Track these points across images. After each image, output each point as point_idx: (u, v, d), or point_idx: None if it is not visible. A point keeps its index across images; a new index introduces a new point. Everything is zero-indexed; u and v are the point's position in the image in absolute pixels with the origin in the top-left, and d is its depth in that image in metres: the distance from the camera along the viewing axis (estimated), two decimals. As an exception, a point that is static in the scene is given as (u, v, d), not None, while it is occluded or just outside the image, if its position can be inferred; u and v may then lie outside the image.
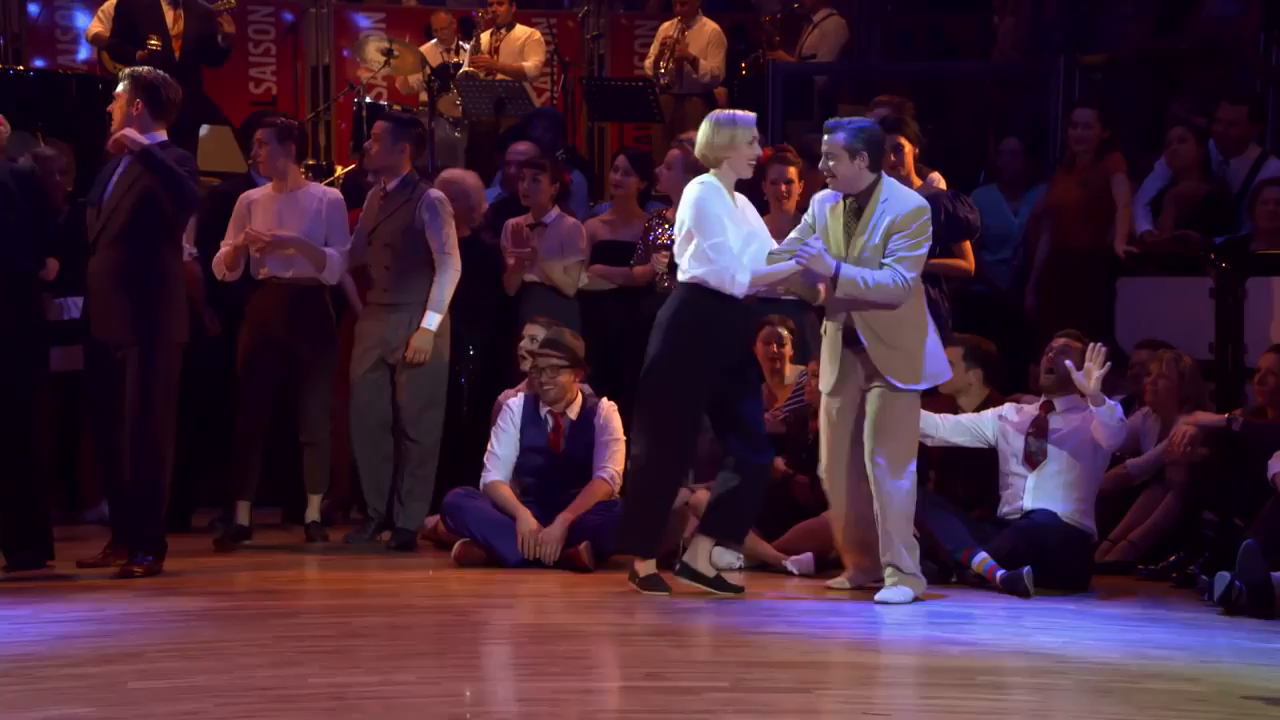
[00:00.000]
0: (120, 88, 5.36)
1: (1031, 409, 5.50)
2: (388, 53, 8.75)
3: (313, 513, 6.17)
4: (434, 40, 9.15)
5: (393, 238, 6.06)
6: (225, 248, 6.08)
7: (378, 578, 5.48)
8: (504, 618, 4.85)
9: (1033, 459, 5.38)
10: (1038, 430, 5.41)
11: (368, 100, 8.51)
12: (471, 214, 6.74)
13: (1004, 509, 5.45)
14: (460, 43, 8.95)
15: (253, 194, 6.19)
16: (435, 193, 6.16)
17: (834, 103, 8.73)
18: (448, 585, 5.42)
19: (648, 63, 8.98)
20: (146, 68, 5.56)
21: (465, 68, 8.76)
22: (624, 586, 5.18)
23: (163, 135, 5.32)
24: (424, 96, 8.76)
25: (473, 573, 5.62)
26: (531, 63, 8.84)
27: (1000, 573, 5.18)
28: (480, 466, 5.99)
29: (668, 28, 8.92)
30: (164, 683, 3.83)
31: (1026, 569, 5.14)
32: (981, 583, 5.23)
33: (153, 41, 7.69)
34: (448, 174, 6.92)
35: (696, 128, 6.03)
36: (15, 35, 8.78)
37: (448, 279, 6.05)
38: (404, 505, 6.06)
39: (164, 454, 5.24)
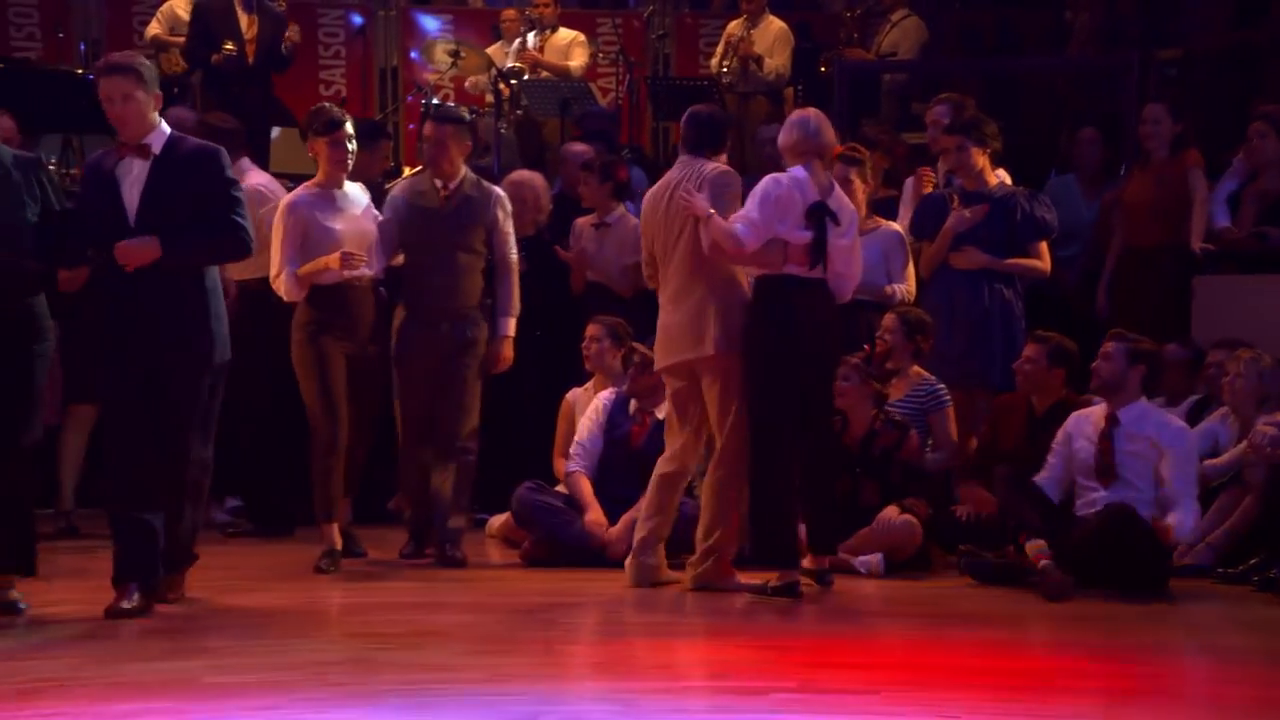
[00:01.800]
0: (137, 81, 4.55)
1: (1098, 417, 5.39)
2: (454, 54, 8.82)
3: (334, 538, 5.60)
4: (500, 40, 9.21)
5: (463, 240, 5.67)
6: (314, 265, 5.46)
7: (447, 575, 5.50)
8: (571, 616, 4.86)
9: (1104, 476, 5.29)
10: (1104, 446, 5.30)
11: (434, 102, 8.57)
12: (539, 215, 6.77)
13: (1081, 512, 5.36)
14: (520, 38, 8.99)
15: (302, 198, 5.60)
16: (500, 191, 5.93)
17: (906, 100, 8.67)
18: (516, 584, 5.44)
19: (713, 62, 8.96)
20: (126, 53, 4.84)
21: (512, 63, 8.80)
22: (685, 585, 5.18)
23: (165, 126, 4.68)
24: (490, 98, 8.82)
25: (540, 572, 5.63)
26: (577, 63, 8.87)
27: (1045, 561, 5.08)
28: (544, 464, 6.01)
29: (734, 26, 8.91)
30: (239, 678, 3.88)
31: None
32: (1017, 573, 5.14)
33: (228, 46, 7.80)
34: (516, 175, 6.95)
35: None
36: (95, 41, 8.93)
37: (517, 279, 5.75)
38: (453, 515, 5.69)
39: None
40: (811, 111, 5.32)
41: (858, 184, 6.11)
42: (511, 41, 9.10)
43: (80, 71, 8.14)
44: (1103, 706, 3.78)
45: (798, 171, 5.18)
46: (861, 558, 5.57)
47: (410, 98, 9.25)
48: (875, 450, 5.72)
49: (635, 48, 9.41)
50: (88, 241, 4.68)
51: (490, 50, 9.08)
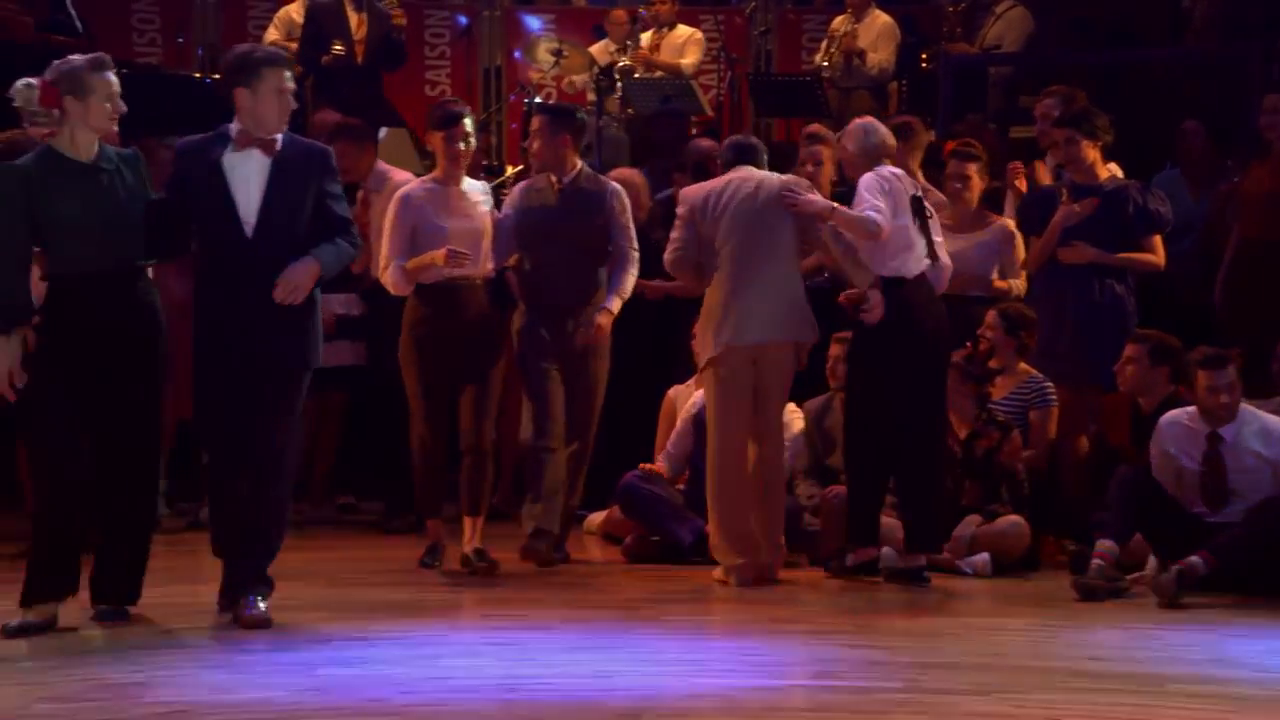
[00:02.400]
0: (287, 79, 4.46)
1: (1191, 427, 5.20)
2: (557, 53, 8.87)
3: (476, 539, 5.46)
4: (605, 39, 9.25)
5: (580, 235, 5.58)
6: (420, 260, 5.36)
7: (550, 571, 5.51)
8: (675, 613, 4.86)
9: (1215, 501, 5.13)
10: (1213, 468, 5.13)
11: (537, 100, 8.63)
12: (638, 212, 6.78)
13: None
14: (628, 41, 9.03)
15: (416, 191, 5.50)
16: (617, 185, 5.83)
17: (1014, 94, 8.52)
18: (618, 580, 5.45)
19: (817, 57, 8.90)
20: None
21: (624, 63, 8.83)
22: (795, 583, 5.19)
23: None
24: (591, 96, 8.86)
25: (642, 568, 5.64)
26: (689, 60, 8.88)
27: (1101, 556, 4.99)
28: (645, 461, 5.98)
29: (839, 21, 8.83)
30: (350, 670, 3.95)
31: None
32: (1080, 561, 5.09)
33: (337, 46, 7.91)
34: (616, 173, 6.97)
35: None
36: (211, 45, 9.15)
37: (635, 271, 5.63)
38: (562, 515, 5.59)
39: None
40: (864, 118, 5.57)
41: (975, 180, 6.09)
42: (617, 41, 9.13)
43: (198, 75, 8.34)
44: (1220, 714, 3.68)
45: (892, 168, 5.34)
46: (968, 558, 5.50)
47: (513, 97, 9.33)
48: (977, 451, 5.64)
49: (737, 44, 9.39)
50: (186, 231, 4.52)
51: (593, 49, 9.12)
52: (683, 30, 8.98)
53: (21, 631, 4.29)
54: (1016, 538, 5.52)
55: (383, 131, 7.93)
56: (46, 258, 4.41)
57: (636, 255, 5.70)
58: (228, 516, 4.51)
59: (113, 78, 4.40)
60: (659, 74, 8.80)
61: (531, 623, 4.61)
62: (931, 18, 9.27)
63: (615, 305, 5.61)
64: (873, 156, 5.33)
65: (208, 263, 4.56)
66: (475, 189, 5.58)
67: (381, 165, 6.56)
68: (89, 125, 4.36)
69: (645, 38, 8.99)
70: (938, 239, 5.39)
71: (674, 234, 5.47)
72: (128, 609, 4.53)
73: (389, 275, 5.50)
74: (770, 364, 5.30)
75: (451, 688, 3.79)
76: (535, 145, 5.73)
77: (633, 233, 5.72)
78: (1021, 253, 6.21)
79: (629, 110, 8.74)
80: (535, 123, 5.80)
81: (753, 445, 5.31)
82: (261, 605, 4.46)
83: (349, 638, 4.33)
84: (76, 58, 4.42)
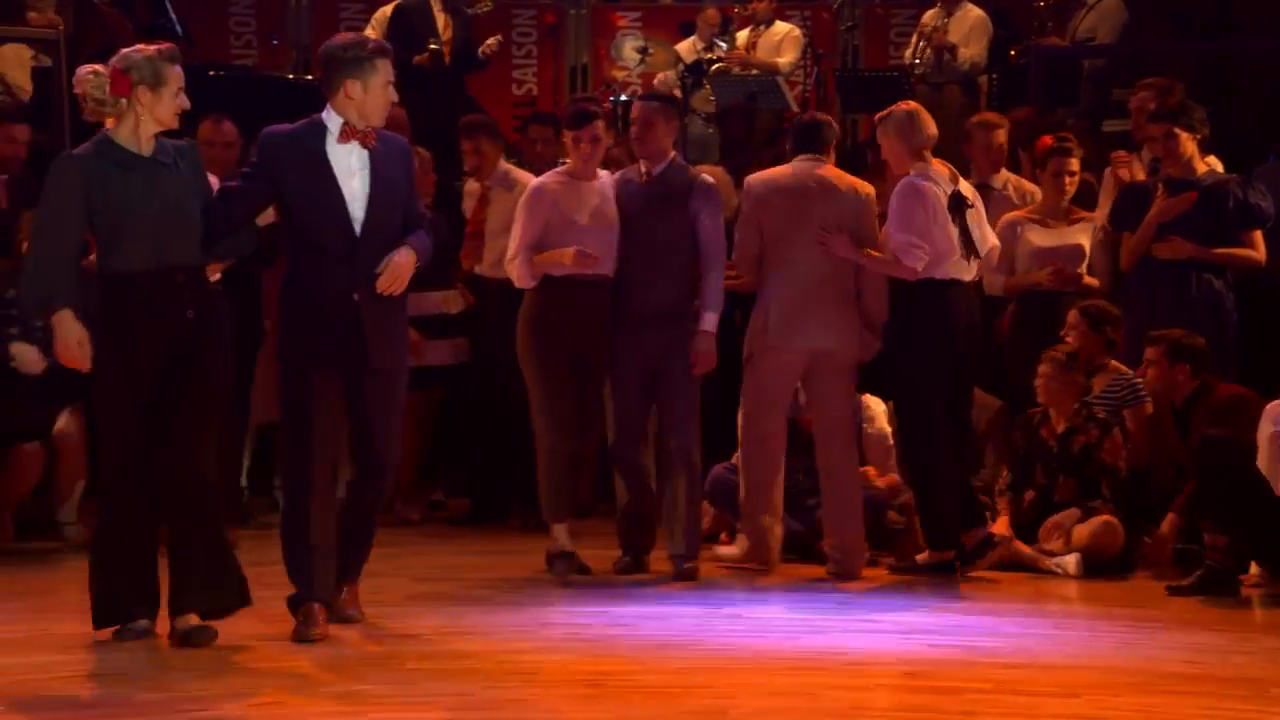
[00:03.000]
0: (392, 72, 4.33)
1: None
2: (643, 50, 8.88)
3: (565, 539, 5.32)
4: (693, 36, 9.24)
5: (666, 227, 5.34)
6: (549, 256, 5.24)
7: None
8: (758, 612, 4.85)
9: None
10: None
11: (622, 98, 8.65)
12: (724, 210, 6.77)
13: None
14: (716, 39, 9.01)
15: (550, 183, 5.39)
16: (708, 178, 5.50)
17: (1107, 87, 8.37)
18: (704, 576, 5.45)
19: (906, 52, 8.81)
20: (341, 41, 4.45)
21: (718, 62, 8.81)
22: (878, 581, 5.17)
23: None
24: (677, 93, 8.85)
25: (730, 565, 5.60)
26: (786, 59, 8.83)
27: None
28: (730, 450, 5.99)
29: (929, 16, 8.73)
30: (439, 665, 3.99)
31: None
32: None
33: (433, 44, 7.99)
34: (697, 170, 6.96)
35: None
36: (305, 48, 9.29)
37: (722, 274, 5.37)
38: (685, 530, 5.34)
39: None
40: (908, 105, 5.46)
41: (1078, 175, 6.02)
42: (705, 39, 9.11)
43: (292, 77, 8.48)
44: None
45: (929, 170, 5.32)
46: (1057, 558, 5.43)
47: (598, 94, 9.35)
48: (1074, 447, 5.56)
49: (824, 40, 9.33)
50: (249, 226, 4.36)
51: (679, 46, 9.12)
52: (780, 27, 8.91)
53: (125, 635, 4.18)
54: (1110, 536, 5.43)
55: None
56: (99, 254, 4.18)
57: (723, 255, 5.47)
58: (301, 521, 4.31)
59: (180, 71, 4.25)
60: (754, 72, 8.76)
61: (616, 619, 4.62)
62: (1022, 11, 9.13)
63: (712, 324, 5.32)
64: (915, 150, 5.31)
65: (308, 258, 4.32)
66: (609, 186, 5.44)
67: (504, 164, 6.57)
68: (155, 117, 4.19)
69: (742, 36, 8.94)
70: (976, 232, 5.34)
71: (738, 234, 5.45)
72: (212, 626, 4.21)
73: (516, 266, 5.33)
74: (841, 367, 5.35)
75: (535, 683, 3.82)
76: (635, 132, 5.50)
77: (719, 230, 5.47)
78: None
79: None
80: (636, 110, 5.60)
81: (821, 444, 5.38)
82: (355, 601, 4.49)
83: (437, 633, 4.38)
84: (146, 47, 4.27)
